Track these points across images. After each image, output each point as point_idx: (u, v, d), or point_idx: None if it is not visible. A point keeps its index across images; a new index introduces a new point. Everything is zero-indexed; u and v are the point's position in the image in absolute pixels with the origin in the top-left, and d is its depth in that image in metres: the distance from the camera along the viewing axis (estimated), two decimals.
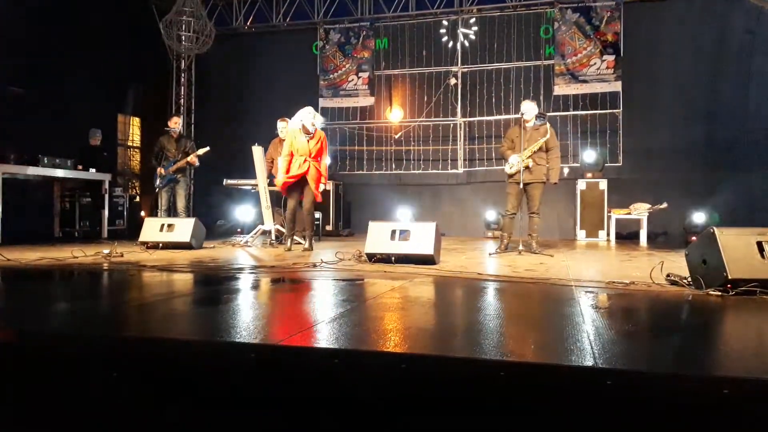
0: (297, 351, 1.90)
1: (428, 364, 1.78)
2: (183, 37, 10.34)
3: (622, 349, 1.97)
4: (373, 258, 4.88)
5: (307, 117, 6.20)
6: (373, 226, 5.06)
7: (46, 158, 7.59)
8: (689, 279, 3.46)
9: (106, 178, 8.53)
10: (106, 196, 8.57)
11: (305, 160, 6.23)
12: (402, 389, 1.72)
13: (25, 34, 7.99)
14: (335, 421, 1.74)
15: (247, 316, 2.57)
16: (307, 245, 6.37)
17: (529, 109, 6.11)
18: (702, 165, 9.23)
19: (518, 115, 6.28)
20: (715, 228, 3.24)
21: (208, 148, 7.59)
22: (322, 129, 6.62)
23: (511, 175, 6.14)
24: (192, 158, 7.52)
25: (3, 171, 6.87)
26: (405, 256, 4.78)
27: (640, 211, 8.63)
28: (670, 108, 9.44)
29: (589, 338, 2.03)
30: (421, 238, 4.82)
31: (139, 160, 10.78)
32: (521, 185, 6.02)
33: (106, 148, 9.25)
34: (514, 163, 6.04)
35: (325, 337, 2.07)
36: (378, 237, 4.96)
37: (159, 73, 11.10)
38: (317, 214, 7.86)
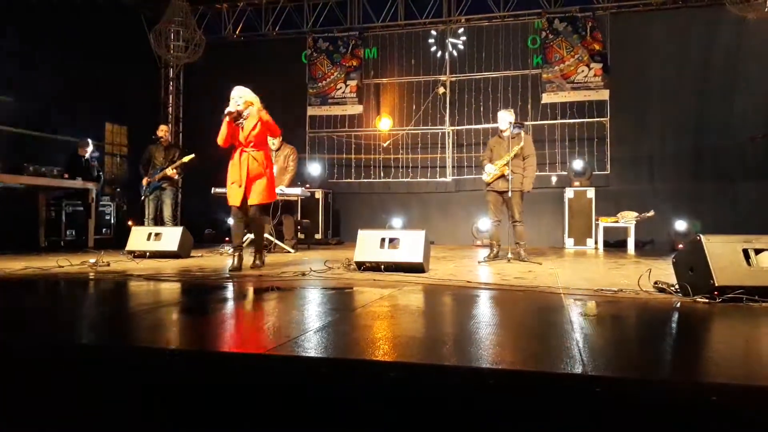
0: (284, 360, 1.88)
1: (417, 372, 1.77)
2: (172, 46, 10.31)
3: (611, 356, 1.97)
4: (362, 266, 4.86)
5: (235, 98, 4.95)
6: (362, 234, 5.05)
7: (31, 167, 7.50)
8: (677, 286, 3.48)
9: (93, 186, 8.46)
10: (93, 205, 8.49)
11: (242, 152, 4.95)
12: (391, 398, 1.71)
13: (13, 42, 7.93)
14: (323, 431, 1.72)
15: (234, 325, 2.55)
16: (257, 261, 5.20)
17: (503, 118, 6.23)
18: (689, 173, 9.34)
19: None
20: (701, 236, 3.26)
21: (192, 156, 7.56)
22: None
23: (488, 184, 6.25)
24: (171, 172, 7.47)
25: None
26: (394, 264, 4.77)
27: (628, 219, 8.70)
28: (657, 116, 9.55)
29: (578, 345, 2.03)
30: (411, 247, 4.81)
31: (126, 168, 10.71)
32: (499, 193, 6.17)
33: (94, 157, 9.17)
34: (491, 171, 6.17)
35: (313, 345, 2.06)
36: (367, 245, 4.94)
37: (148, 82, 11.05)
38: (289, 223, 7.59)
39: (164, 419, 1.83)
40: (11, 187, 7.51)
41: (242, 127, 4.93)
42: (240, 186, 4.92)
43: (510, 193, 6.03)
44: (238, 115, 4.91)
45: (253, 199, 4.97)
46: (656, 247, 9.21)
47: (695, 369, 1.90)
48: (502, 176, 6.10)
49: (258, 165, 4.97)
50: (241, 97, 4.93)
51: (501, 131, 6.28)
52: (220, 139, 4.94)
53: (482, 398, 1.66)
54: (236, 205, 4.99)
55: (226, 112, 4.86)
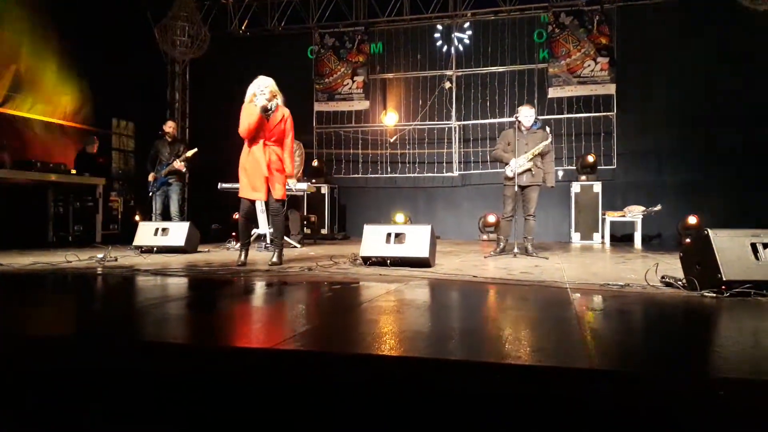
0: (290, 355, 1.89)
1: (424, 367, 1.78)
2: (178, 42, 10.32)
3: (618, 351, 1.97)
4: (368, 261, 4.87)
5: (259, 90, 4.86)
6: (368, 229, 5.05)
7: (39, 163, 7.55)
8: (684, 281, 3.47)
9: (101, 182, 8.50)
10: (101, 201, 8.54)
11: (264, 145, 4.89)
12: (397, 393, 1.72)
13: (21, 41, 7.96)
14: (329, 427, 1.73)
15: (241, 320, 2.56)
16: (275, 258, 5.03)
17: (528, 113, 6.16)
18: (696, 167, 9.29)
19: (512, 119, 6.33)
20: (709, 230, 3.25)
21: (195, 150, 7.59)
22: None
23: (509, 178, 6.15)
24: (179, 165, 7.49)
25: None
26: (400, 259, 4.78)
27: (635, 213, 8.66)
28: (664, 111, 9.50)
29: (584, 340, 2.03)
30: (417, 241, 4.82)
31: (133, 164, 10.76)
32: (519, 188, 6.06)
33: (101, 153, 9.23)
34: (515, 167, 6.05)
35: (319, 340, 2.07)
36: (373, 240, 4.95)
37: (154, 78, 11.07)
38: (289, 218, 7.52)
39: (170, 413, 1.84)
40: (20, 182, 7.56)
41: (267, 119, 4.87)
42: (263, 180, 4.87)
43: (527, 188, 6.03)
44: (265, 109, 4.85)
45: (277, 193, 4.93)
46: (663, 241, 9.18)
47: (703, 363, 1.90)
48: (527, 171, 6.05)
49: (278, 160, 4.94)
50: (267, 87, 4.86)
51: (524, 126, 6.13)
52: (246, 131, 4.85)
53: (489, 393, 1.67)
54: (262, 199, 4.98)
55: (260, 105, 4.79)
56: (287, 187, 5.05)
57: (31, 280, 4.03)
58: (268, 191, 4.93)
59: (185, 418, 1.83)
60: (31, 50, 8.20)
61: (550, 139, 6.07)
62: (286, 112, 4.98)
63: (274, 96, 4.90)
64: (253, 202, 5.05)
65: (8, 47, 7.87)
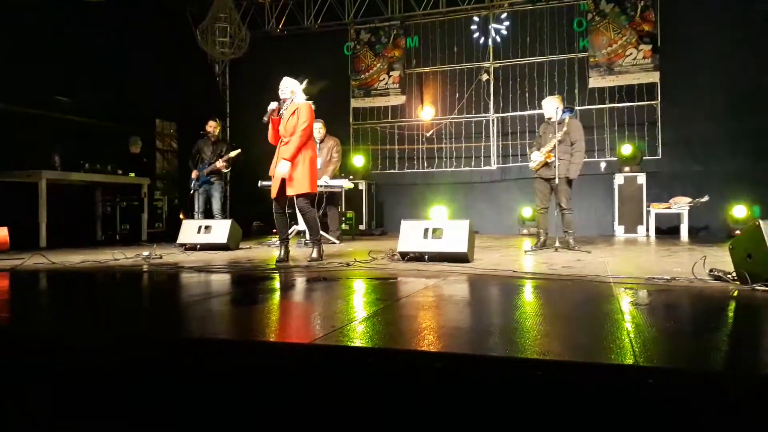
0: (329, 350, 1.91)
1: (463, 363, 1.76)
2: (218, 43, 10.51)
3: (664, 347, 1.91)
4: (406, 256, 4.87)
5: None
6: (405, 224, 5.05)
7: (87, 164, 7.81)
8: (734, 274, 3.35)
9: (145, 182, 8.74)
10: (146, 200, 8.78)
11: (280, 143, 5.03)
12: (437, 389, 1.71)
13: (66, 43, 8.23)
14: (369, 422, 1.73)
15: (281, 315, 2.59)
16: (314, 254, 5.07)
17: (546, 106, 6.23)
18: (744, 156, 8.90)
19: None
20: (760, 221, 3.12)
21: (239, 151, 7.71)
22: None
23: (535, 171, 6.22)
24: (221, 164, 7.63)
25: (47, 177, 7.11)
26: (438, 254, 4.76)
27: (681, 205, 8.40)
28: (710, 98, 9.12)
29: (629, 336, 1.97)
30: (455, 236, 4.79)
31: (176, 164, 11.02)
32: (547, 180, 6.10)
33: (145, 153, 9.50)
34: (536, 159, 6.12)
35: (358, 335, 2.07)
36: (411, 235, 4.94)
37: (195, 79, 11.30)
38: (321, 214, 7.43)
39: (213, 407, 1.88)
40: (69, 183, 7.84)
41: (282, 117, 4.98)
42: (274, 176, 4.96)
43: (557, 180, 5.91)
44: (278, 110, 4.99)
45: (293, 189, 4.90)
46: (711, 233, 8.86)
47: (754, 360, 1.82)
48: (548, 163, 6.01)
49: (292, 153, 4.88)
50: (287, 86, 5.02)
51: (548, 118, 6.20)
52: (269, 137, 5.11)
53: (530, 390, 1.64)
54: (274, 197, 5.01)
55: (269, 110, 4.98)
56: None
57: (81, 278, 4.17)
58: (282, 189, 4.95)
59: (225, 411, 1.86)
60: (76, 53, 8.45)
61: (564, 129, 5.97)
62: (301, 105, 4.94)
63: (293, 93, 5.00)
64: (280, 199, 5.04)
65: (57, 50, 8.15)
